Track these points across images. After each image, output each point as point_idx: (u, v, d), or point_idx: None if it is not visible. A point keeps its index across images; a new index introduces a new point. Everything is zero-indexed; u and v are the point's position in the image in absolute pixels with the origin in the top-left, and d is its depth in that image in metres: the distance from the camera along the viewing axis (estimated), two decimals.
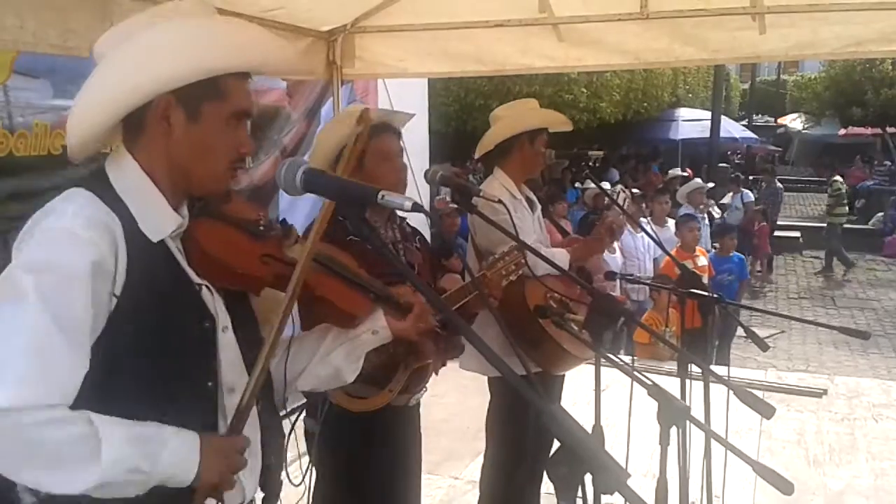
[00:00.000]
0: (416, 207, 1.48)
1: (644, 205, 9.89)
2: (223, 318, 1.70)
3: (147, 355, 1.54)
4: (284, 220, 1.89)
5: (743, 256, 9.11)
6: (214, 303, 1.69)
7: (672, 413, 1.86)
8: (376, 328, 2.04)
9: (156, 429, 1.53)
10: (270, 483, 1.84)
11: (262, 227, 1.80)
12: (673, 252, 7.83)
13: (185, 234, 1.68)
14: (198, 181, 1.66)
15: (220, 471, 1.60)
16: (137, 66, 1.54)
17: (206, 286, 1.67)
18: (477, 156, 3.79)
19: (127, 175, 1.60)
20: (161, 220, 1.61)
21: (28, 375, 1.38)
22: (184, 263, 1.65)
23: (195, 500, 1.59)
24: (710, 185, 11.70)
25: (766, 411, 2.17)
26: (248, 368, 1.74)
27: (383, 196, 1.48)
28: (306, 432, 2.80)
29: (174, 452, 1.53)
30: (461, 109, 12.98)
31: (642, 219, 8.59)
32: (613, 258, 7.83)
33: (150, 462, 1.48)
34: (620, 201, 3.66)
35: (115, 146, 1.67)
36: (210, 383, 1.67)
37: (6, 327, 1.40)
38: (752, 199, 15.91)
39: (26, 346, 1.39)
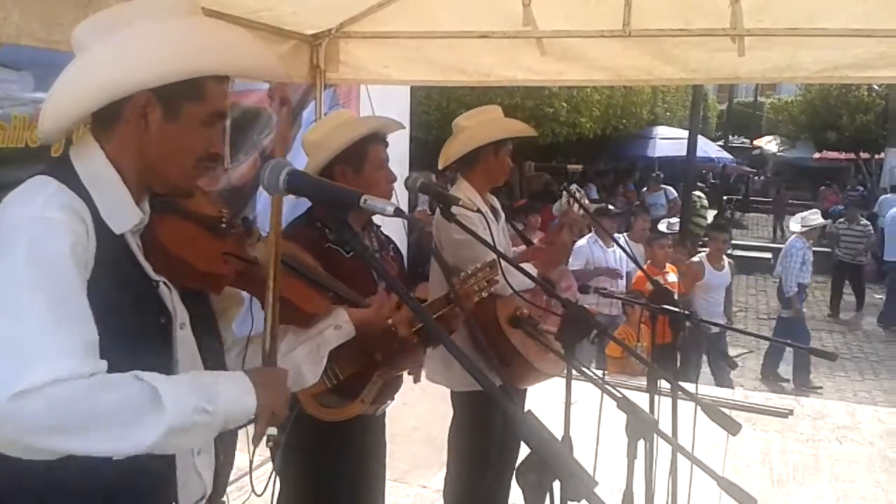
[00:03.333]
0: (398, 212, 1.49)
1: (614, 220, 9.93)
2: (181, 315, 1.69)
3: (104, 350, 1.49)
4: (246, 217, 1.88)
5: None
6: (172, 299, 1.67)
7: (640, 426, 1.89)
8: (339, 323, 2.04)
9: (200, 373, 1.58)
10: (217, 481, 1.84)
11: (223, 224, 1.78)
12: (645, 267, 7.93)
13: (146, 230, 1.66)
14: (165, 178, 1.65)
15: (275, 396, 1.66)
16: (123, 60, 1.54)
17: (164, 282, 1.66)
18: (441, 166, 3.77)
19: (93, 165, 1.59)
20: (125, 213, 1.60)
21: (57, 348, 1.38)
22: (141, 258, 1.63)
23: (257, 430, 1.66)
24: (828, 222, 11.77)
25: (733, 428, 2.20)
26: (206, 364, 1.75)
27: (366, 200, 1.48)
28: (271, 440, 2.79)
29: (229, 386, 1.57)
30: (442, 118, 13.01)
31: (618, 235, 8.68)
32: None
33: (211, 399, 1.51)
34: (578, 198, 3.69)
35: (78, 134, 1.67)
36: None
37: (13, 311, 1.39)
38: (676, 195, 15.94)
39: (43, 324, 1.38)
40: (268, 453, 2.76)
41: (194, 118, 1.61)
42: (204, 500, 1.79)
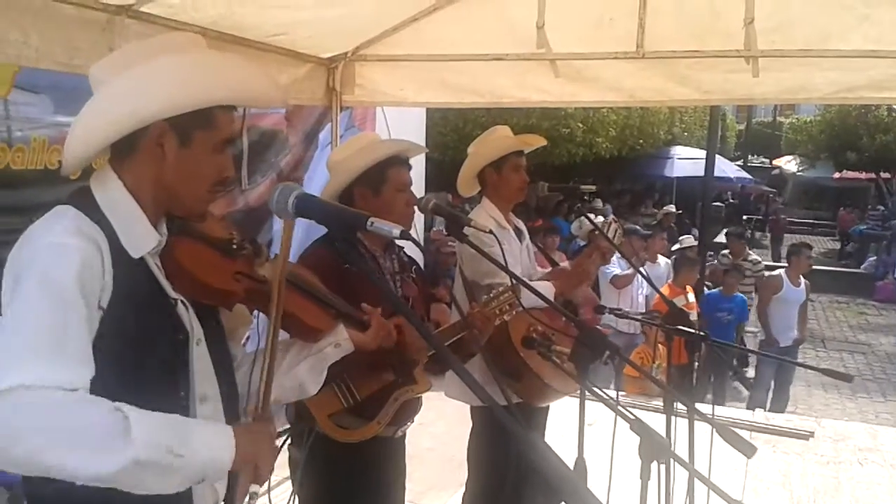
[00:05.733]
0: (405, 235, 1.51)
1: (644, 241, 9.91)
2: (197, 331, 1.78)
3: (123, 367, 1.59)
4: (254, 239, 1.99)
5: (745, 297, 9.15)
6: (189, 317, 1.77)
7: (653, 448, 1.88)
8: (339, 341, 2.12)
9: (179, 417, 1.59)
10: (230, 494, 1.84)
11: (234, 246, 1.89)
12: (666, 286, 7.97)
13: (164, 251, 1.77)
14: (181, 202, 1.77)
15: (258, 451, 1.67)
16: (139, 94, 1.64)
17: (182, 301, 1.76)
18: (463, 195, 3.88)
19: (112, 193, 1.70)
20: (142, 237, 1.70)
21: (46, 358, 1.43)
22: (161, 279, 1.74)
23: (239, 484, 1.68)
24: None
25: (748, 450, 2.18)
26: (219, 379, 1.84)
27: (373, 223, 1.52)
28: (290, 460, 2.79)
29: (205, 434, 1.59)
30: (459, 139, 13.04)
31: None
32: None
33: (183, 442, 1.51)
34: (611, 233, 3.67)
35: (98, 164, 1.78)
36: (183, 393, 1.74)
37: (12, 322, 1.47)
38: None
39: (39, 337, 1.44)
40: (286, 472, 2.78)
41: (206, 145, 1.73)
42: None
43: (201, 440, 1.56)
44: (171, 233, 1.80)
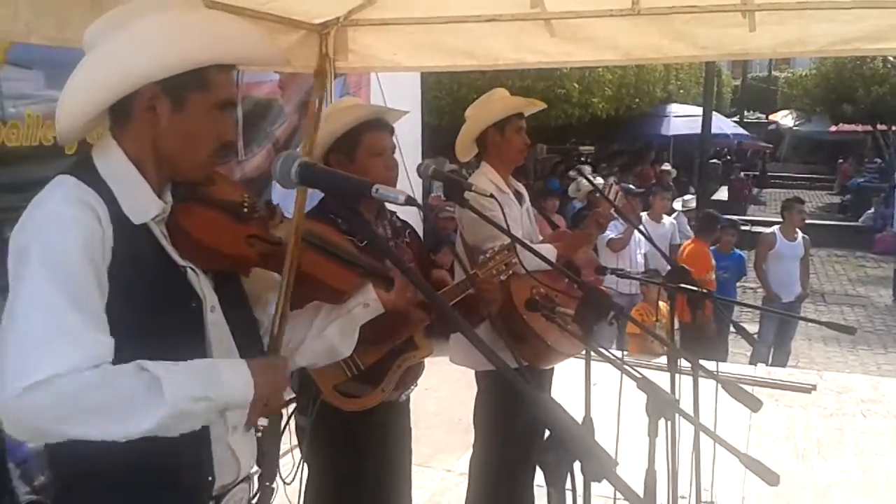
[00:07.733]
0: (410, 201, 1.49)
1: (639, 199, 9.91)
2: (210, 299, 1.75)
3: (135, 337, 1.56)
4: (269, 200, 1.93)
5: (743, 255, 9.16)
6: (200, 284, 1.73)
7: (660, 405, 1.89)
8: (367, 301, 2.07)
9: (201, 362, 1.63)
10: (268, 464, 1.89)
11: (245, 209, 1.83)
12: (691, 241, 8.07)
13: (170, 219, 1.72)
14: (182, 169, 1.71)
15: (271, 387, 1.72)
16: (126, 56, 1.59)
17: (191, 268, 1.72)
18: (461, 159, 3.84)
19: (112, 162, 1.66)
20: (144, 203, 1.66)
21: (71, 340, 1.45)
22: (167, 246, 1.69)
23: (250, 418, 1.71)
24: None
25: (753, 404, 2.19)
26: (239, 346, 1.81)
27: (377, 189, 1.49)
28: (297, 428, 2.81)
29: (230, 373, 1.63)
30: (454, 103, 12.94)
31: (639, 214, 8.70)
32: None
33: (209, 387, 1.57)
34: (612, 195, 3.66)
35: (100, 134, 1.73)
36: None
37: (23, 307, 1.47)
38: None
39: (58, 319, 1.45)
40: (293, 441, 2.80)
41: (201, 107, 1.66)
42: (239, 481, 1.83)
43: (229, 378, 1.61)
44: (177, 199, 1.75)
